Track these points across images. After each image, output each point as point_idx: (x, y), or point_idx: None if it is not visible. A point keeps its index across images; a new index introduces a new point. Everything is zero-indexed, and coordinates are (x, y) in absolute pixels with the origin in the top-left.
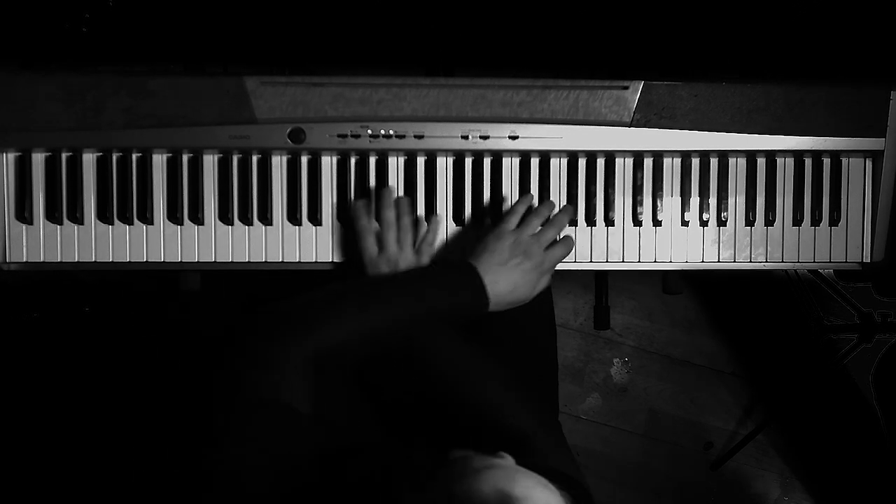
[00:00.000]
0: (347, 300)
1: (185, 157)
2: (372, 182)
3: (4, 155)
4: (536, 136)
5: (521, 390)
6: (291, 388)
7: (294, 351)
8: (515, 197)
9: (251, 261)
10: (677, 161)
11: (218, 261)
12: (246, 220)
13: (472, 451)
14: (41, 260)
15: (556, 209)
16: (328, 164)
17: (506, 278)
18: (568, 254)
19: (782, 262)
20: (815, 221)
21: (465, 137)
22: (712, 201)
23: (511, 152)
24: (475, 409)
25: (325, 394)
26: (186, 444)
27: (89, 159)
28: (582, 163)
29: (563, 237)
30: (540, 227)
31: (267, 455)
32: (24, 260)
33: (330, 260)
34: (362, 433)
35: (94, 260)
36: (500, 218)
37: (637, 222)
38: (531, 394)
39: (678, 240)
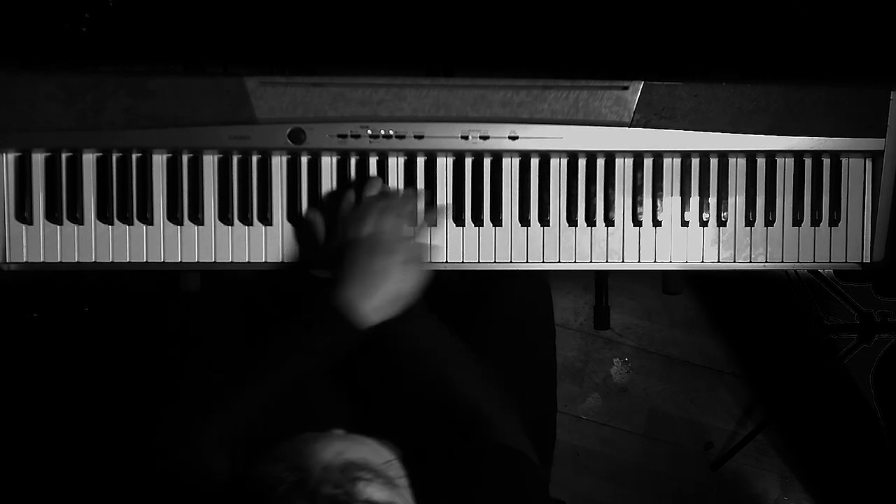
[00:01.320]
0: (236, 383)
1: (185, 158)
2: None
3: (4, 155)
4: (536, 137)
5: (487, 373)
6: (206, 466)
7: (201, 440)
8: (516, 197)
9: (251, 261)
10: (677, 161)
11: (218, 261)
12: (246, 220)
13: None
14: (41, 260)
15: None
16: (328, 164)
17: (378, 283)
18: (426, 243)
19: (782, 262)
20: (815, 221)
21: (465, 138)
22: (712, 201)
23: (511, 152)
24: (434, 386)
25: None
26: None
27: (89, 159)
28: (582, 163)
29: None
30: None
31: None
32: (24, 260)
33: None
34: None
35: (94, 260)
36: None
37: (637, 222)
38: (497, 379)
39: (678, 240)
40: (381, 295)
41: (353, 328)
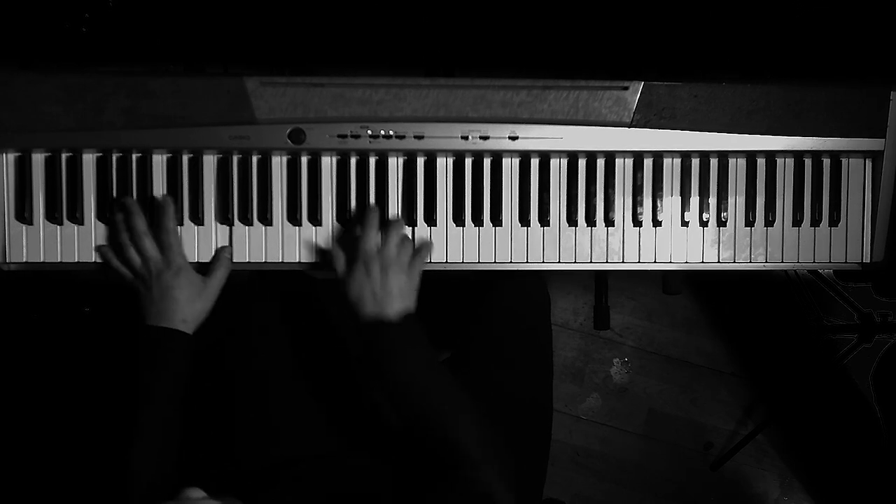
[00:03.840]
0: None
1: (185, 158)
2: (372, 182)
3: (4, 155)
4: (536, 137)
5: (484, 423)
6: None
7: (128, 472)
8: (516, 198)
9: (251, 261)
10: (677, 161)
11: None
12: (246, 220)
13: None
14: (41, 260)
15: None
16: (328, 164)
17: (169, 301)
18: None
19: (782, 262)
20: (815, 222)
21: (465, 138)
22: (712, 201)
23: (511, 153)
24: (425, 427)
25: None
26: None
27: (89, 159)
28: (582, 163)
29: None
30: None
31: None
32: (24, 260)
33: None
34: (312, 443)
35: (94, 260)
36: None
37: (637, 222)
38: (496, 427)
39: (678, 240)
40: (182, 307)
41: (181, 343)
